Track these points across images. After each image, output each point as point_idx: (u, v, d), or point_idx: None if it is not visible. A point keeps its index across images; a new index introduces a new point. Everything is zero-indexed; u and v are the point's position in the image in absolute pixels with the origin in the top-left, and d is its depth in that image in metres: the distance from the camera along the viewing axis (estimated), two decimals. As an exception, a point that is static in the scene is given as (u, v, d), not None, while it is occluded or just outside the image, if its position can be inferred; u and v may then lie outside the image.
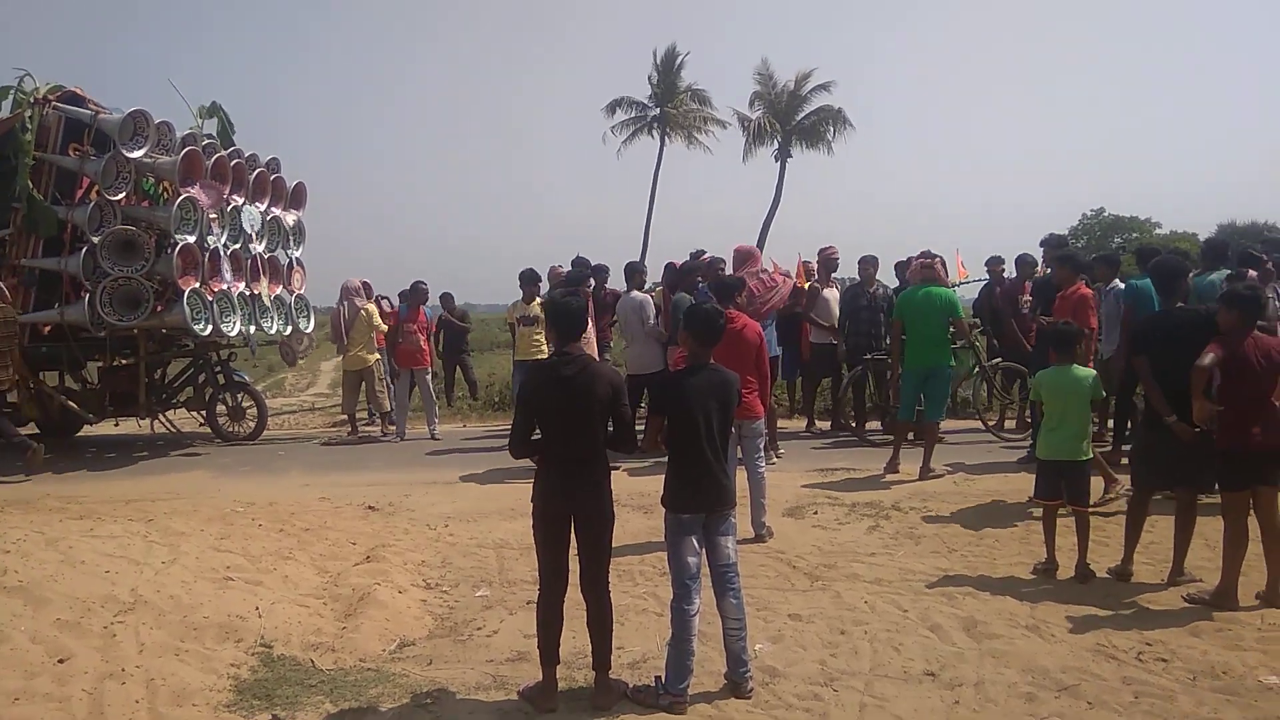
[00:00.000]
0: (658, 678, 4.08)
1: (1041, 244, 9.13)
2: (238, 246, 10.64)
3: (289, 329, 11.53)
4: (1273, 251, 7.97)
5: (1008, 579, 5.53)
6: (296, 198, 12.07)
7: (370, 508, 7.59)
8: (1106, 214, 49.01)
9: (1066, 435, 5.52)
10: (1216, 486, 5.20)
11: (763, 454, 6.55)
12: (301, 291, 11.98)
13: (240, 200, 10.76)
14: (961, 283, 13.64)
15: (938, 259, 8.51)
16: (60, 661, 4.26)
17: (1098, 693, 4.01)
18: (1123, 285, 8.07)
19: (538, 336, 9.60)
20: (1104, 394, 5.64)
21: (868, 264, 10.41)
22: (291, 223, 11.87)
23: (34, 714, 3.86)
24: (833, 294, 10.70)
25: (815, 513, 7.12)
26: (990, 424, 10.21)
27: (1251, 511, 4.96)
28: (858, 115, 45.58)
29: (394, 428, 11.44)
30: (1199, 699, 3.93)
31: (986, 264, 10.80)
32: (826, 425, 10.99)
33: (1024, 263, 10.28)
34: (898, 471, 8.18)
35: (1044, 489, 5.64)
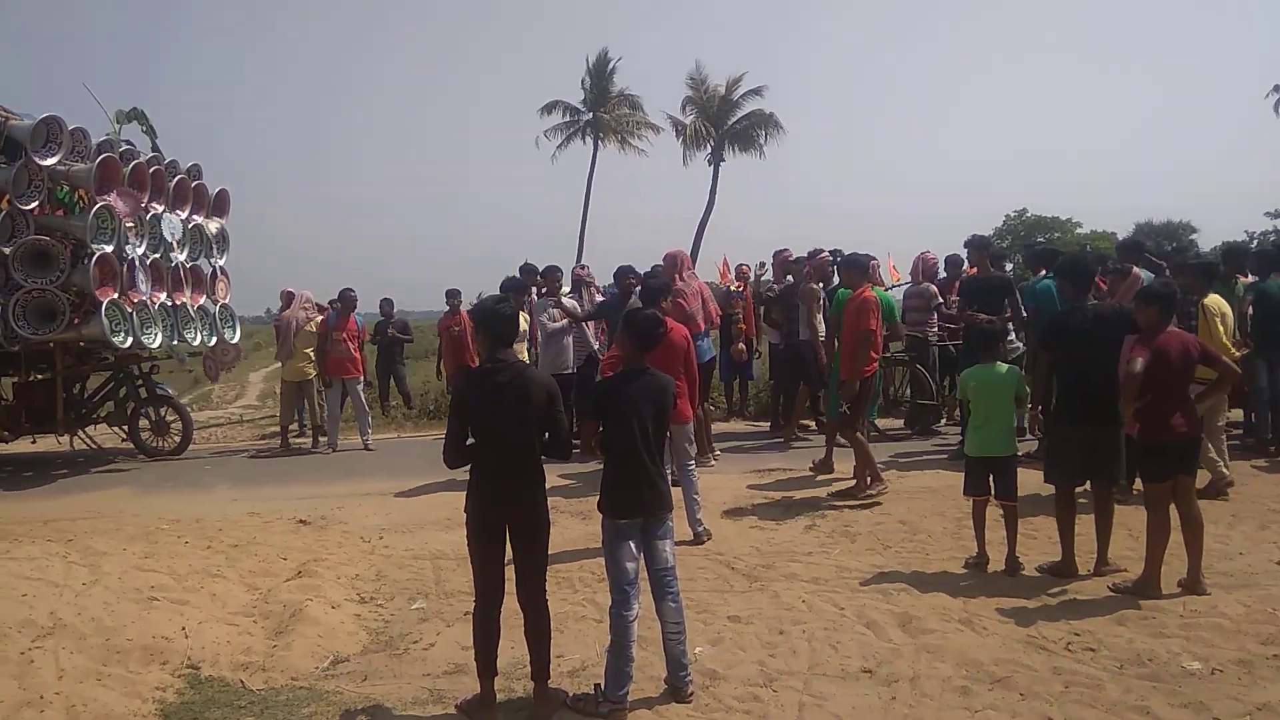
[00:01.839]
0: (597, 685, 4.06)
1: (966, 244, 9.34)
2: (158, 255, 10.33)
3: (214, 340, 11.23)
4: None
5: (941, 574, 5.63)
6: (219, 205, 11.78)
7: (302, 521, 7.42)
8: (1029, 215, 50.41)
9: (993, 432, 5.65)
10: (1125, 478, 5.37)
11: (692, 457, 6.57)
12: (226, 301, 11.69)
13: (160, 208, 10.45)
14: (894, 285, 13.90)
15: (875, 260, 8.63)
16: (-27, 691, 4.07)
17: (1029, 684, 4.10)
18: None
19: (521, 353, 8.75)
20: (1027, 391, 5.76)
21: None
22: (215, 230, 11.58)
23: (-56, 748, 3.69)
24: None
25: (753, 514, 7.17)
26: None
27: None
28: (789, 119, 46.16)
29: (325, 439, 11.22)
30: (1126, 687, 4.04)
31: (947, 261, 10.95)
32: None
33: (953, 263, 10.59)
34: (831, 471, 8.26)
35: (973, 485, 5.75)
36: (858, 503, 7.24)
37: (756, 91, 45.12)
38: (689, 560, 5.89)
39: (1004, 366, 5.77)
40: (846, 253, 9.92)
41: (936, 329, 10.29)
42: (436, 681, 4.43)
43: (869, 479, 7.44)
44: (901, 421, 10.71)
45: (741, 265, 12.50)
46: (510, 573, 4.09)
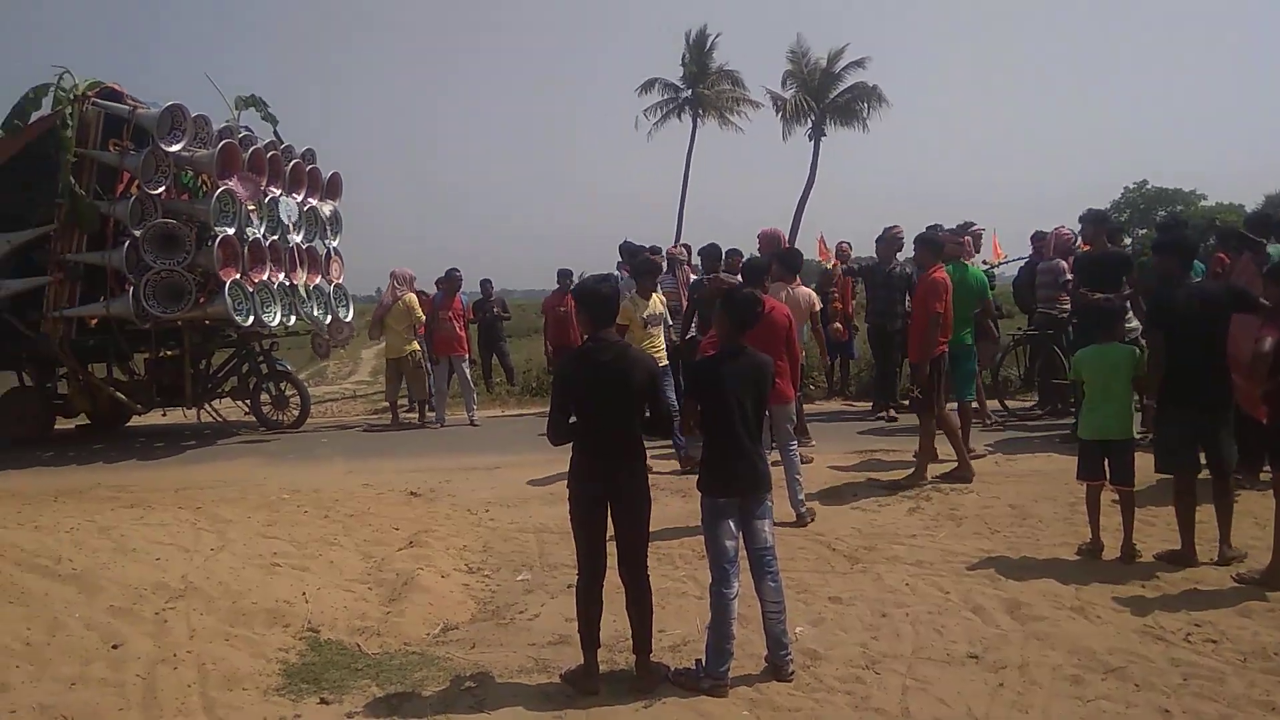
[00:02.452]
0: (698, 660, 4.10)
1: (1081, 219, 8.97)
2: (276, 237, 10.77)
3: (328, 318, 11.66)
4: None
5: (1051, 560, 5.48)
6: (332, 188, 12.18)
7: (412, 494, 7.68)
8: (1149, 187, 48.08)
9: (1109, 414, 5.45)
10: (1242, 464, 5.11)
11: (794, 437, 6.49)
12: (340, 280, 12.11)
13: (277, 191, 10.88)
14: (999, 263, 13.47)
15: (967, 238, 8.39)
16: (114, 647, 4.36)
17: (1145, 674, 3.97)
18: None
19: (657, 339, 8.08)
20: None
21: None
22: (328, 212, 11.99)
23: (90, 699, 3.96)
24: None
25: (854, 495, 7.09)
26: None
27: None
28: (894, 92, 44.96)
29: (433, 415, 11.54)
30: (1250, 680, 3.87)
31: (1032, 239, 10.58)
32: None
33: (1041, 239, 10.23)
34: (934, 457, 8.05)
35: (1087, 469, 5.57)
36: (908, 485, 7.17)
37: (859, 63, 44.05)
38: (788, 540, 5.87)
39: (1121, 346, 5.55)
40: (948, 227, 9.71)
41: (1069, 306, 9.91)
42: (541, 651, 4.54)
43: (926, 470, 7.42)
44: (1032, 401, 10.41)
45: (841, 243, 12.29)
46: (612, 548, 4.16)
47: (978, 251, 9.94)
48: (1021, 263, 11.15)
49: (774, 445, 6.31)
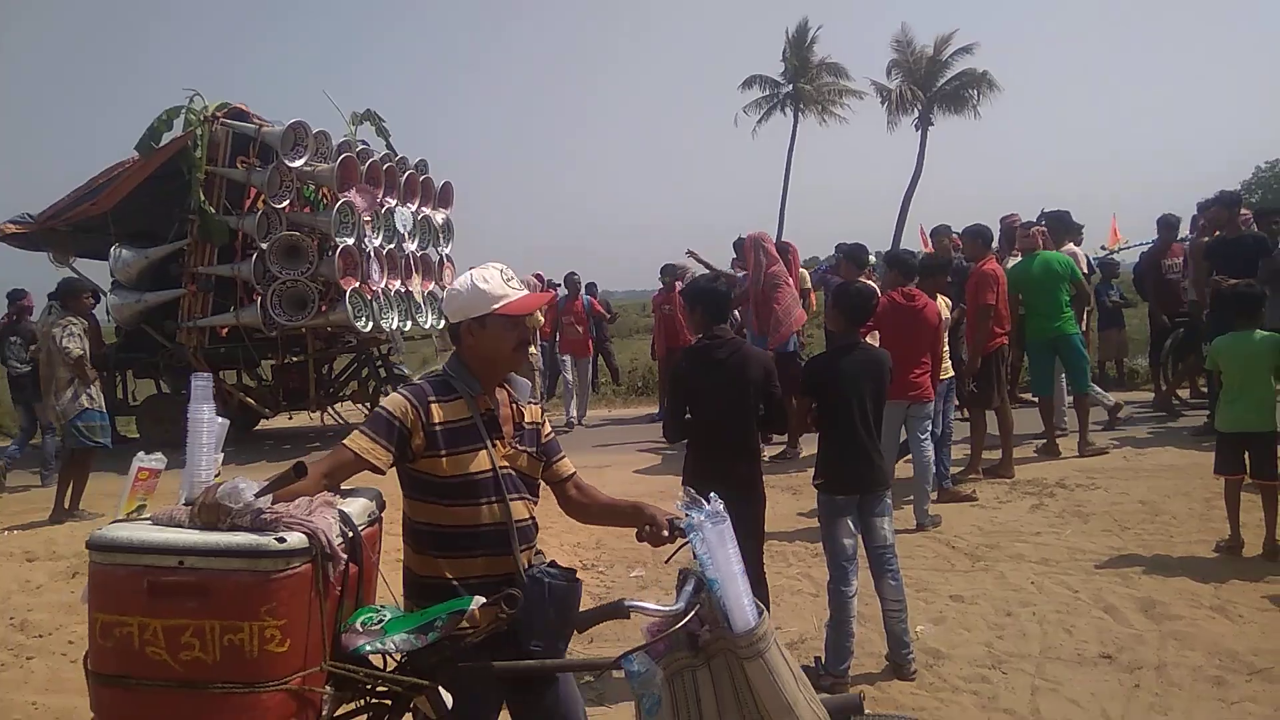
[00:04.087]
0: (818, 658, 4.07)
1: (1213, 202, 8.53)
2: (392, 246, 11.13)
3: (442, 323, 11.97)
4: None
5: (1187, 558, 5.23)
6: (444, 197, 12.50)
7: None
8: (1283, 167, 45.31)
9: (1249, 405, 5.16)
10: None
11: (929, 436, 6.27)
12: (452, 286, 12.42)
13: (393, 202, 11.23)
14: (1119, 248, 12.91)
15: (1036, 230, 8.08)
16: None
17: (1295, 677, 3.76)
18: None
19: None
20: None
21: (941, 235, 9.85)
22: (440, 221, 12.31)
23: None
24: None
25: (973, 492, 6.91)
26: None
27: None
28: (1004, 76, 43.47)
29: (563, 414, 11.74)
30: None
31: (1158, 224, 10.08)
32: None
33: (1166, 225, 9.77)
34: (1057, 454, 7.78)
35: (1226, 463, 5.29)
36: (965, 489, 6.96)
37: (967, 49, 42.82)
38: (907, 538, 5.76)
39: (1261, 334, 5.25)
40: (1054, 211, 9.37)
41: None
42: (659, 648, 4.57)
43: (979, 466, 7.33)
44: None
45: (946, 235, 11.92)
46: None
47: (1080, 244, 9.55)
48: (1144, 248, 10.67)
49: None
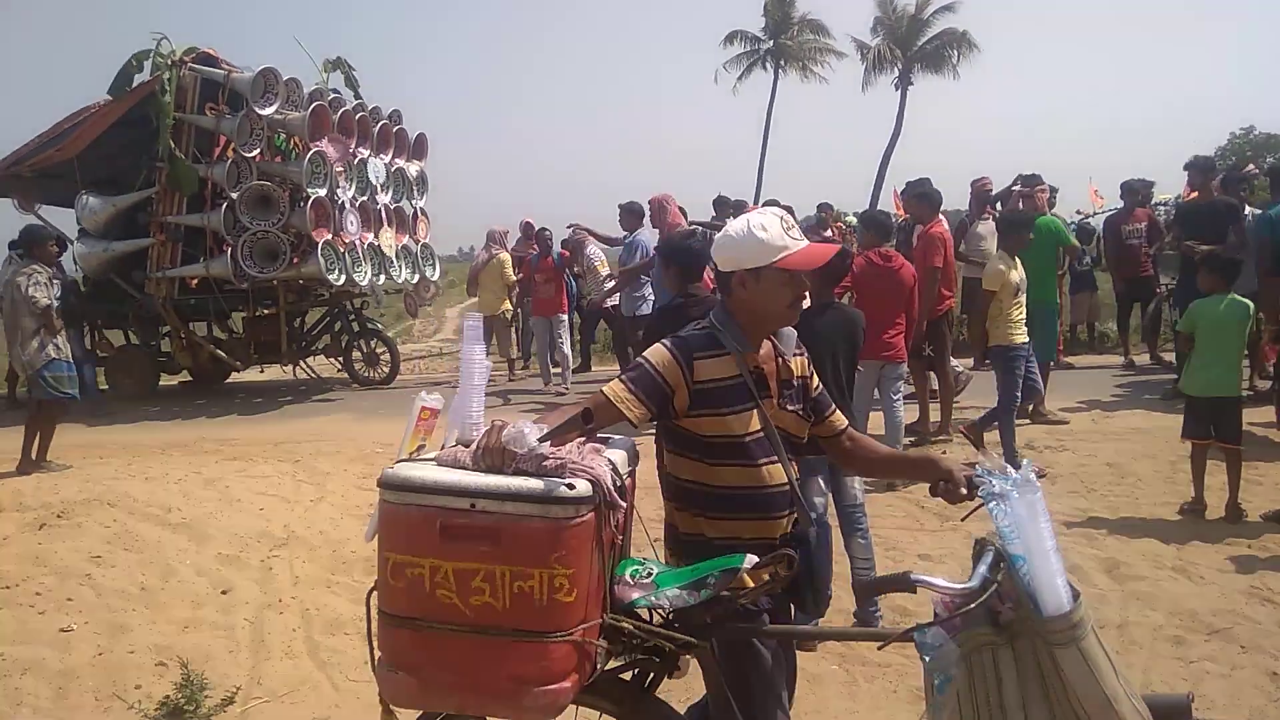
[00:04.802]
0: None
1: (1186, 166, 8.56)
2: (365, 198, 10.97)
3: (415, 277, 11.87)
4: None
5: (1152, 520, 5.32)
6: (419, 148, 12.32)
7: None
8: (1257, 132, 45.46)
9: (1222, 370, 5.21)
10: None
11: (901, 397, 6.31)
12: (426, 240, 12.29)
13: (366, 153, 11.05)
14: (1098, 211, 12.95)
15: (1040, 190, 8.10)
16: (223, 593, 4.58)
17: (1252, 637, 3.84)
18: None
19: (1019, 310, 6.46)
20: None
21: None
22: (415, 173, 12.14)
23: (202, 641, 4.18)
24: (988, 227, 10.07)
25: (944, 453, 6.97)
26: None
27: None
28: (984, 37, 43.07)
29: (522, 373, 11.61)
30: (1366, 645, 3.72)
31: (1122, 187, 10.14)
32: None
33: (1130, 190, 9.85)
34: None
35: (1194, 427, 5.35)
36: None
37: (949, 8, 42.47)
38: (877, 497, 5.81)
39: (1237, 300, 5.28)
40: (1045, 179, 9.35)
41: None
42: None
43: (950, 425, 7.39)
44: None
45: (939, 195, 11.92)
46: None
47: (1052, 208, 9.54)
48: (1113, 213, 10.71)
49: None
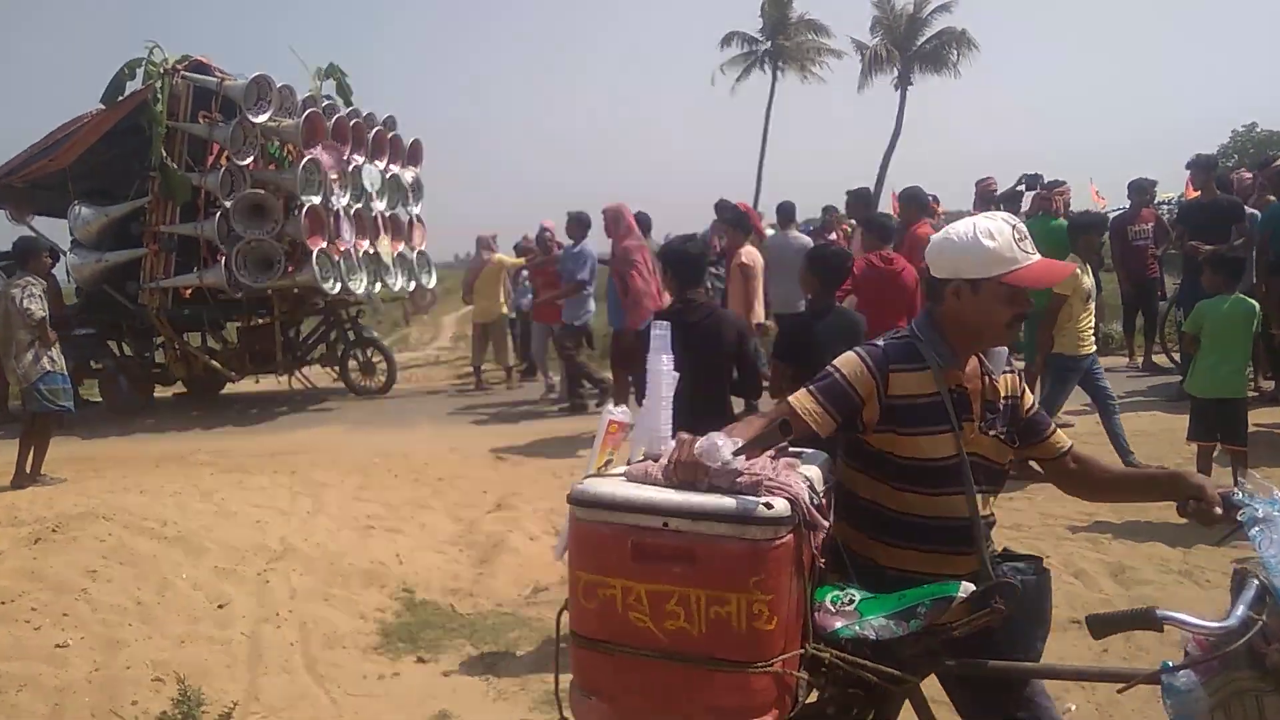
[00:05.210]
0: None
1: (1189, 165, 8.55)
2: (360, 205, 10.92)
3: (412, 285, 11.81)
4: None
5: (1158, 523, 5.26)
6: (414, 154, 12.26)
7: (499, 458, 7.77)
8: (1259, 130, 45.56)
9: (1228, 372, 5.18)
10: None
11: None
12: (422, 247, 12.24)
13: (360, 159, 11.00)
14: (1100, 212, 12.93)
15: (1058, 193, 8.11)
16: (220, 606, 4.53)
17: (1263, 642, 3.79)
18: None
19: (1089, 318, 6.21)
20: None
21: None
22: (410, 179, 12.09)
23: (199, 655, 4.12)
24: None
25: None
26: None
27: None
28: (982, 36, 43.15)
29: (522, 381, 11.54)
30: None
31: (1129, 187, 10.07)
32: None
33: (1137, 189, 9.63)
34: None
35: (1200, 429, 5.31)
36: None
37: (945, 7, 42.56)
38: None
39: (1243, 299, 5.25)
40: (1047, 178, 9.35)
41: None
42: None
43: None
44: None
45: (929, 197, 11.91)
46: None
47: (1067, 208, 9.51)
48: (1119, 213, 10.68)
49: None
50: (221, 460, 7.71)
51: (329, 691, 3.95)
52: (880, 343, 2.20)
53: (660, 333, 2.43)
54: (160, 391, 11.97)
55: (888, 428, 2.14)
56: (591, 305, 9.21)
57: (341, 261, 10.31)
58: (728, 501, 1.85)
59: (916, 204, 7.40)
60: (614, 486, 1.95)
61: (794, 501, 1.86)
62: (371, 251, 11.02)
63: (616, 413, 2.29)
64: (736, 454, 1.90)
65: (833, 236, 10.01)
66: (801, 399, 2.13)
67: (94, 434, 9.27)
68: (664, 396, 2.28)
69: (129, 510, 5.52)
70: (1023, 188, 9.41)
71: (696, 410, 3.99)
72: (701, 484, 1.90)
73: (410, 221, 12.03)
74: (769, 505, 1.82)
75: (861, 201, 8.59)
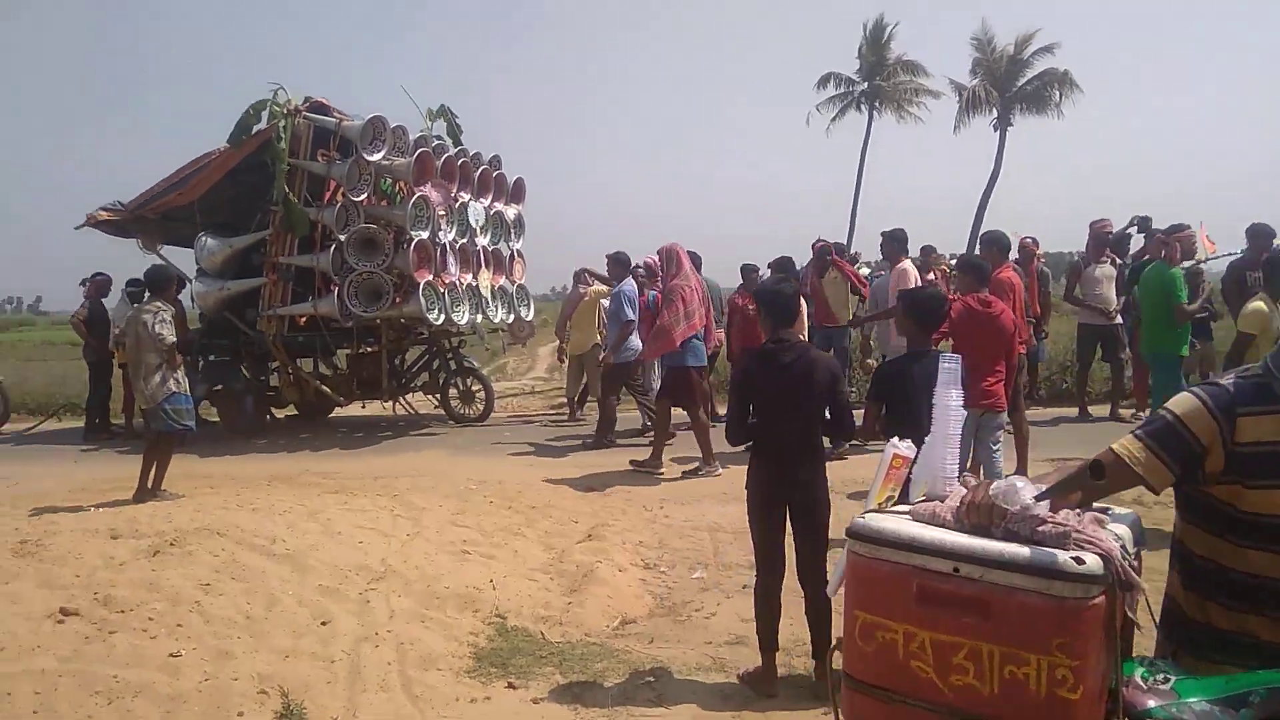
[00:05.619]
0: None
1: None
2: (465, 240, 11.29)
3: (511, 317, 12.12)
4: None
5: (1166, 529, 5.01)
6: (516, 192, 12.63)
7: (589, 488, 7.88)
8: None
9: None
10: None
11: (1000, 446, 6.09)
12: (522, 281, 12.56)
13: (466, 197, 11.39)
14: (1210, 257, 12.41)
15: (1177, 240, 7.89)
16: (323, 624, 4.71)
17: None
18: None
19: None
20: None
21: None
22: (512, 216, 12.44)
23: (302, 670, 4.29)
24: (1106, 270, 9.86)
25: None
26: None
27: None
28: (1086, 78, 42.16)
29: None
30: None
31: (1248, 232, 9.54)
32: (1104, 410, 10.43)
33: (1256, 234, 8.90)
34: None
35: None
36: None
37: (1048, 49, 41.69)
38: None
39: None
40: (1154, 221, 9.08)
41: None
42: (719, 650, 4.57)
43: None
44: None
45: (1025, 239, 11.65)
46: (791, 552, 4.14)
47: (1189, 257, 9.12)
48: (1233, 258, 10.21)
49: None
50: (328, 481, 8.02)
51: (423, 712, 4.07)
52: (1225, 381, 1.93)
53: (950, 365, 2.32)
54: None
55: (1235, 479, 1.89)
56: (637, 343, 9.34)
57: (446, 294, 10.66)
58: (1030, 552, 1.70)
59: (997, 248, 7.32)
60: (898, 524, 1.85)
61: (1107, 558, 1.69)
62: (474, 284, 11.37)
63: (901, 446, 2.16)
64: (1039, 499, 1.77)
65: (930, 277, 9.91)
66: (1129, 446, 1.90)
67: (211, 453, 9.75)
68: (950, 434, 2.14)
69: (241, 527, 5.80)
70: (1134, 230, 9.13)
71: (787, 448, 4.05)
72: (996, 529, 1.77)
73: (511, 256, 12.37)
74: (1079, 560, 1.66)
75: (896, 243, 8.71)
